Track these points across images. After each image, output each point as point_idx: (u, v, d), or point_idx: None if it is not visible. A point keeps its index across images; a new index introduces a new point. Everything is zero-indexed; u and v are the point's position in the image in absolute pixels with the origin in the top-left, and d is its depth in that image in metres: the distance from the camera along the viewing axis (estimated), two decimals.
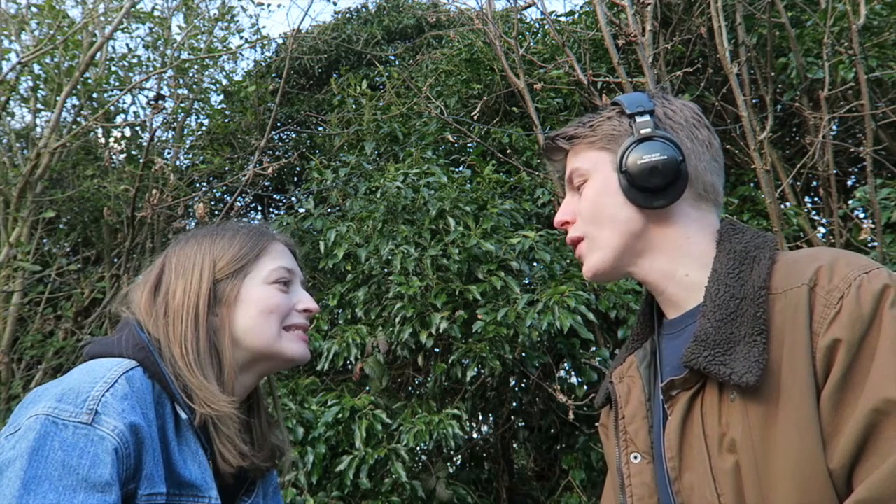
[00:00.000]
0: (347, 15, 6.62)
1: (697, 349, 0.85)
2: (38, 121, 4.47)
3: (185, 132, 5.20)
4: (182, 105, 4.95)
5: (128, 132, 4.67)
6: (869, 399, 0.74)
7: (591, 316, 2.90)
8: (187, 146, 5.18)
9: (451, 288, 3.05)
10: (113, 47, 4.87)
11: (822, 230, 3.61)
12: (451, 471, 3.57)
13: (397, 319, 3.05)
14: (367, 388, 3.29)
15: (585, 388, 3.21)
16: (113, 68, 4.83)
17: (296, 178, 5.50)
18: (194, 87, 5.10)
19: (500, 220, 3.27)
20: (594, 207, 0.98)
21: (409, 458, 2.87)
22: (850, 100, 3.26)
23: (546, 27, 4.26)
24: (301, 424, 2.89)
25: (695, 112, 1.00)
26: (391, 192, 3.34)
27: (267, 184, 4.99)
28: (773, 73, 3.47)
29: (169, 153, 4.97)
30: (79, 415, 0.83)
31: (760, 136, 2.89)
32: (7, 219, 3.86)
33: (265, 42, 5.63)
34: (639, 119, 0.96)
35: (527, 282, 3.26)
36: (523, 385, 3.67)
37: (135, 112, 5.41)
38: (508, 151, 3.99)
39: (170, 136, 4.98)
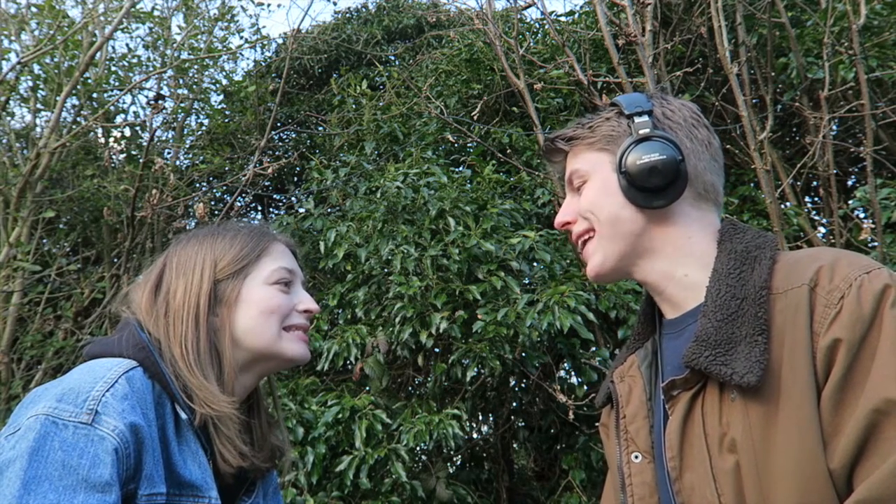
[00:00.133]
0: (347, 15, 6.62)
1: (698, 349, 0.85)
2: (37, 121, 4.48)
3: (185, 132, 5.20)
4: (182, 105, 4.95)
5: (128, 132, 4.66)
6: (869, 399, 0.74)
7: (591, 316, 2.90)
8: (187, 146, 5.19)
9: (451, 288, 3.04)
10: (113, 47, 4.88)
11: (823, 230, 3.61)
12: (451, 471, 3.57)
13: (397, 319, 3.05)
14: (367, 388, 3.29)
15: (585, 388, 3.21)
16: (113, 68, 4.83)
17: (296, 178, 5.50)
18: (194, 87, 5.10)
19: (500, 220, 3.27)
20: (594, 208, 0.98)
21: (409, 458, 2.87)
22: (850, 100, 3.26)
23: (546, 27, 4.26)
24: (301, 424, 2.88)
25: (693, 112, 1.00)
26: (391, 192, 3.34)
27: (267, 184, 4.99)
28: (773, 73, 3.47)
29: (169, 153, 4.97)
30: (79, 415, 0.83)
31: (760, 136, 2.89)
32: (7, 219, 3.86)
33: (265, 42, 5.63)
34: (637, 119, 0.96)
35: (527, 282, 3.26)
36: (523, 385, 3.67)
37: (135, 112, 5.41)
38: (508, 151, 3.99)
39: (170, 136, 4.98)
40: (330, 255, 3.35)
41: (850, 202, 3.22)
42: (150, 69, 4.87)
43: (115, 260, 4.43)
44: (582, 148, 1.01)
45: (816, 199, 3.96)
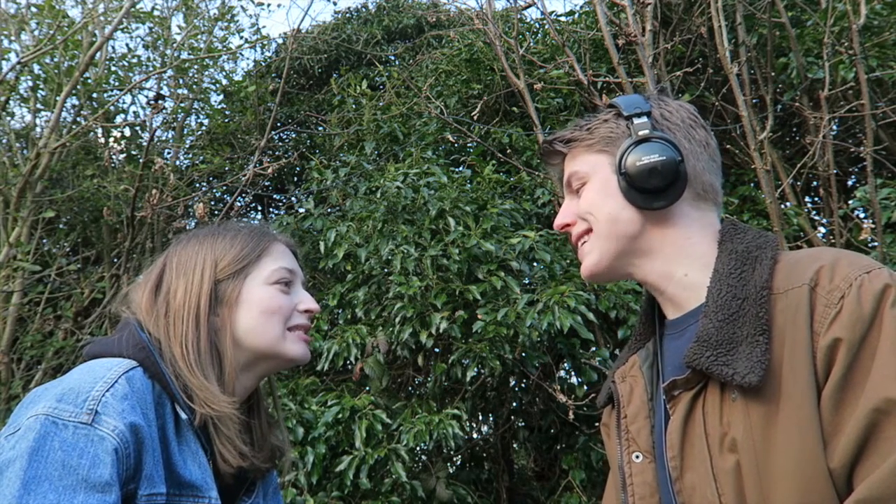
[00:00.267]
0: (347, 15, 6.62)
1: (700, 349, 0.85)
2: (37, 121, 4.47)
3: (185, 132, 5.20)
4: (182, 105, 4.95)
5: (128, 132, 4.66)
6: (870, 398, 0.74)
7: (591, 316, 2.90)
8: (187, 146, 5.18)
9: (451, 288, 3.04)
10: (113, 47, 4.88)
11: (823, 230, 3.61)
12: (451, 471, 3.57)
13: (397, 319, 3.05)
14: (367, 388, 3.29)
15: (585, 388, 3.21)
16: (113, 68, 4.83)
17: (296, 178, 5.50)
18: (194, 87, 5.10)
19: (500, 220, 3.27)
20: (594, 210, 0.98)
21: (409, 458, 2.87)
22: (850, 100, 3.26)
23: (546, 27, 4.26)
24: (301, 424, 2.88)
25: (691, 113, 1.00)
26: (391, 192, 3.34)
27: (267, 184, 4.99)
28: (773, 73, 3.47)
29: (169, 153, 4.97)
30: (79, 415, 0.83)
31: (760, 136, 2.89)
32: (7, 219, 3.86)
33: (265, 42, 5.63)
34: (636, 121, 0.96)
35: (527, 282, 3.26)
36: (523, 385, 3.67)
37: (135, 112, 5.41)
38: (508, 151, 3.99)
39: (170, 136, 4.98)
40: (330, 255, 3.35)
41: (850, 202, 3.22)
42: (150, 69, 4.87)
43: (115, 260, 4.43)
44: (580, 150, 1.01)
45: (816, 199, 3.96)
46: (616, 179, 0.96)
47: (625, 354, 1.07)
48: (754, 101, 3.50)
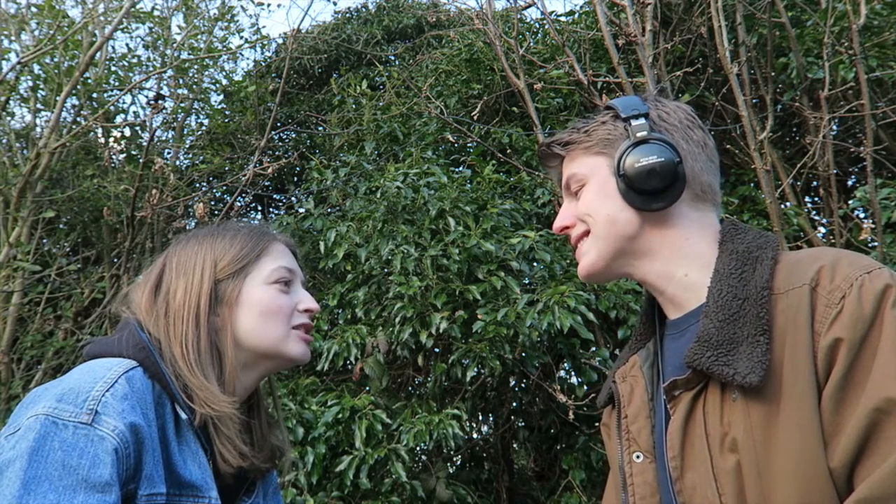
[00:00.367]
0: (347, 15, 6.62)
1: (700, 349, 0.85)
2: (37, 121, 4.48)
3: (185, 132, 5.20)
4: (182, 105, 4.95)
5: (128, 132, 4.66)
6: (870, 398, 0.74)
7: (591, 316, 2.90)
8: (187, 146, 5.19)
9: (451, 288, 3.04)
10: (113, 47, 4.88)
11: (823, 230, 3.61)
12: (451, 471, 3.57)
13: (397, 319, 3.05)
14: (367, 388, 3.29)
15: (585, 388, 3.21)
16: (113, 68, 4.83)
17: (296, 178, 5.50)
18: (194, 87, 5.10)
19: (500, 220, 3.27)
20: (593, 211, 0.98)
21: (409, 458, 2.87)
22: (850, 100, 3.26)
23: (546, 27, 4.26)
24: (301, 424, 2.88)
25: (688, 114, 1.01)
26: (391, 192, 3.34)
27: (267, 184, 4.99)
28: (773, 73, 3.47)
29: (169, 153, 4.97)
30: (79, 415, 0.83)
31: (760, 136, 2.89)
32: (7, 219, 3.86)
33: (265, 42, 5.63)
34: (634, 122, 0.96)
35: (527, 282, 3.26)
36: (523, 385, 3.67)
37: (135, 112, 5.41)
38: (508, 151, 3.99)
39: (170, 136, 4.98)
40: (330, 255, 3.35)
41: (850, 202, 3.22)
42: (150, 69, 4.87)
43: (115, 260, 4.43)
44: (579, 152, 1.02)
45: (816, 199, 3.96)
46: (615, 181, 0.96)
47: (625, 354, 1.07)
48: (754, 101, 3.50)
